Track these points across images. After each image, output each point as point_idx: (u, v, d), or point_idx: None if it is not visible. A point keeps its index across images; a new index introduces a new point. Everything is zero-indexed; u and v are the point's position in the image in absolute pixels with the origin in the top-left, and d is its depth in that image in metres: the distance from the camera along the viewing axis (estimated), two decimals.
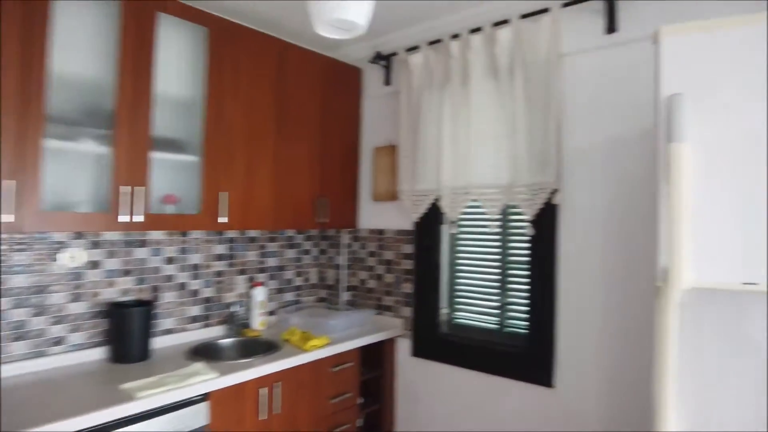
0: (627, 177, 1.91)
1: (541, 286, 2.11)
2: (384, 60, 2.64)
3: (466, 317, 2.42)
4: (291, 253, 2.82)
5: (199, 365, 1.85)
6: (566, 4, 1.99)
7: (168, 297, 2.24)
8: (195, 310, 2.34)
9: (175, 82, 2.06)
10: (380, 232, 2.71)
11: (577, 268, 2.01)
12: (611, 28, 1.93)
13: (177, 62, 2.05)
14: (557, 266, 2.07)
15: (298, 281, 2.86)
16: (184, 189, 2.10)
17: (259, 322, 2.48)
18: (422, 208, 2.43)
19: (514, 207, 2.21)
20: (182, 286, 2.30)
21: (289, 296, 2.80)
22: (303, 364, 2.11)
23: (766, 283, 0.99)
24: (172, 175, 2.08)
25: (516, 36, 2.10)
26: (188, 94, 2.09)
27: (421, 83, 2.42)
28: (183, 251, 2.31)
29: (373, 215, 2.75)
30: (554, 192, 2.04)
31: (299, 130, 2.44)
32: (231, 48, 2.14)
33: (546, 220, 2.09)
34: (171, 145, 2.01)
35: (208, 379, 1.75)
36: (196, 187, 2.06)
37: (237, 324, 2.41)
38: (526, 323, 2.16)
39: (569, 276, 2.04)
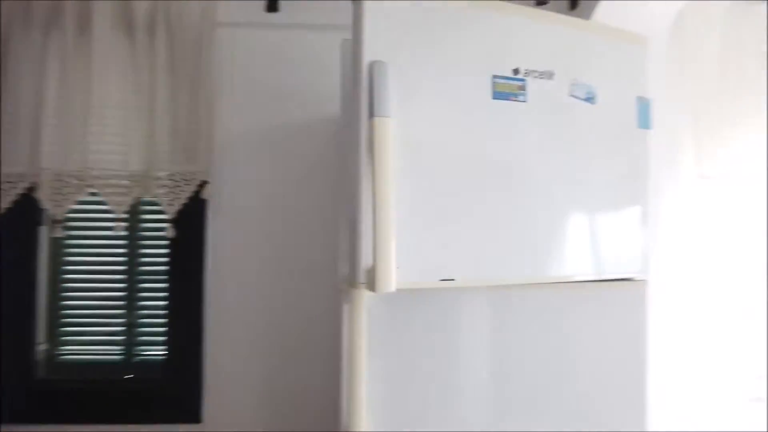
0: (300, 169, 1.76)
1: (183, 300, 1.72)
2: None
3: (77, 351, 1.76)
4: None
5: None
6: None
7: None
8: None
9: None
10: None
11: (234, 276, 1.72)
12: (272, 5, 1.74)
13: None
14: (206, 275, 1.72)
15: None
16: None
17: None
18: (6, 202, 1.64)
19: (150, 203, 1.73)
20: None
21: None
22: None
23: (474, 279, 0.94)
24: None
25: None
26: None
27: (10, 17, 1.65)
28: None
29: None
30: (204, 184, 1.68)
31: None
32: None
33: (192, 219, 1.71)
34: None
35: None
36: None
37: None
38: (164, 349, 1.72)
39: (222, 286, 1.72)
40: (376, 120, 0.88)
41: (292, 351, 1.72)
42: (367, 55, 0.91)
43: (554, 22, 1.05)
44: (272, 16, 1.74)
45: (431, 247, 0.95)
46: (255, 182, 1.75)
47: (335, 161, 1.74)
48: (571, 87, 1.05)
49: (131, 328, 1.76)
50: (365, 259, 0.88)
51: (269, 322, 1.72)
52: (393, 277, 0.85)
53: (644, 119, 1.15)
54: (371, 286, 0.86)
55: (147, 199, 1.69)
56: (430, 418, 1.01)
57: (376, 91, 0.89)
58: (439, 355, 1.02)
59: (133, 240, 1.78)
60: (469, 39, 0.98)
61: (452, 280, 0.94)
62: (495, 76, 0.99)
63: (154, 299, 1.76)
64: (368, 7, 0.91)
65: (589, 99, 1.07)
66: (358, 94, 0.91)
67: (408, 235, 0.91)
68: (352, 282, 0.91)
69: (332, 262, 1.72)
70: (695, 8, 1.73)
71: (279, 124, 1.75)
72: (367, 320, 0.97)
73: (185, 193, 1.66)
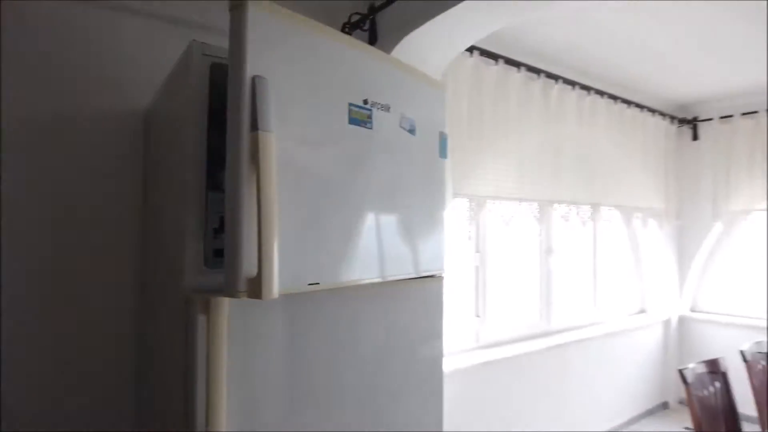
0: (95, 166, 1.55)
1: None
2: None
3: None
4: None
5: None
6: None
7: None
8: None
9: None
10: None
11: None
12: None
13: None
14: None
15: None
16: None
17: None
18: None
19: None
20: None
21: None
22: None
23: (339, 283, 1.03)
24: None
25: None
26: None
27: None
28: None
29: None
30: None
31: None
32: None
33: None
34: None
35: None
36: None
37: None
38: None
39: None
40: (261, 134, 0.91)
41: (74, 371, 1.50)
42: (250, 69, 0.93)
43: (392, 63, 1.25)
44: None
45: (296, 255, 1.02)
46: (35, 179, 1.46)
47: (138, 159, 1.60)
48: (401, 120, 1.26)
49: None
50: (247, 268, 0.90)
51: (44, 334, 1.47)
52: (276, 284, 0.90)
53: (443, 150, 1.44)
54: (256, 293, 0.89)
55: None
56: (280, 416, 1.07)
57: (259, 105, 0.92)
58: (286, 355, 1.09)
59: None
60: (332, 66, 1.09)
61: (317, 284, 1.03)
62: (351, 104, 1.12)
63: None
64: (252, 21, 0.93)
65: (412, 131, 1.30)
66: (237, 106, 0.93)
67: (281, 244, 0.96)
68: (229, 291, 0.91)
69: (126, 270, 1.58)
70: (455, 62, 2.19)
71: (71, 113, 1.51)
72: (227, 328, 0.99)
73: None
